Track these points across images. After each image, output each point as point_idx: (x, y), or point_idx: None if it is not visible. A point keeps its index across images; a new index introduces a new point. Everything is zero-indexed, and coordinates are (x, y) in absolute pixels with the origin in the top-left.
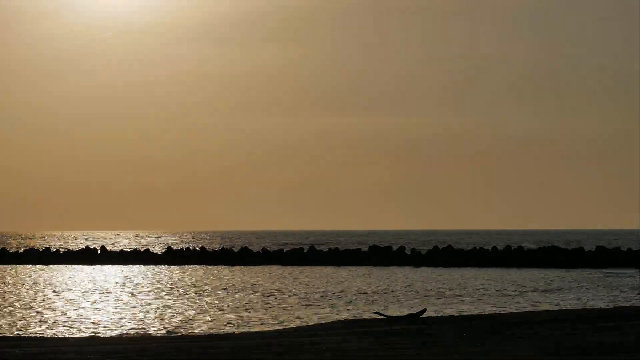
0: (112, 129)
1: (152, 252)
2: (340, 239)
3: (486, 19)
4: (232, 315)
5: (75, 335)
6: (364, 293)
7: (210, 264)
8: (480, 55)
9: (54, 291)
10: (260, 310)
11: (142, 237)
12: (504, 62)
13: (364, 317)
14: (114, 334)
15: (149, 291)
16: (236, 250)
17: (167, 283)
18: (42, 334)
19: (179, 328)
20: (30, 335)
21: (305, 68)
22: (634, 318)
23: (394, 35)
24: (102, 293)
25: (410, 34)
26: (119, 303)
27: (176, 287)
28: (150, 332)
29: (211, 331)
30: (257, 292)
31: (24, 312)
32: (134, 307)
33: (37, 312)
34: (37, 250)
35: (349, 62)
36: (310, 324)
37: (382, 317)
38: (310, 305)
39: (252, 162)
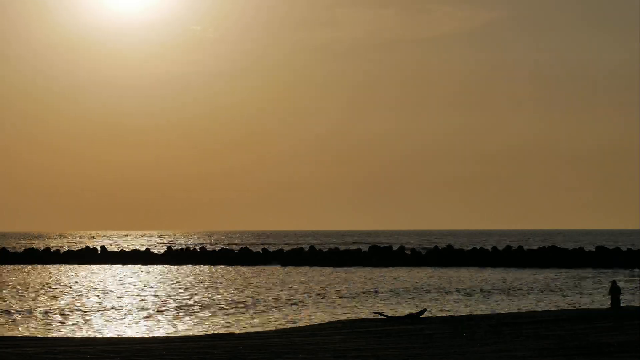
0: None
1: (152, 252)
2: (340, 239)
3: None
4: (231, 316)
5: (76, 336)
6: (364, 293)
7: (210, 264)
8: (475, 60)
9: (54, 291)
10: (260, 310)
11: (145, 236)
12: (503, 67)
13: (364, 317)
14: (114, 334)
15: (145, 291)
16: (236, 251)
17: (167, 283)
18: (42, 334)
19: (179, 328)
20: (31, 335)
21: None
22: (634, 318)
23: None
24: (103, 293)
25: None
26: (117, 303)
27: (178, 287)
28: (150, 332)
29: (211, 331)
30: (256, 292)
31: (24, 312)
32: (132, 307)
33: (37, 312)
34: (37, 250)
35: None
36: (310, 324)
37: (382, 317)
38: (310, 305)
39: (254, 163)
